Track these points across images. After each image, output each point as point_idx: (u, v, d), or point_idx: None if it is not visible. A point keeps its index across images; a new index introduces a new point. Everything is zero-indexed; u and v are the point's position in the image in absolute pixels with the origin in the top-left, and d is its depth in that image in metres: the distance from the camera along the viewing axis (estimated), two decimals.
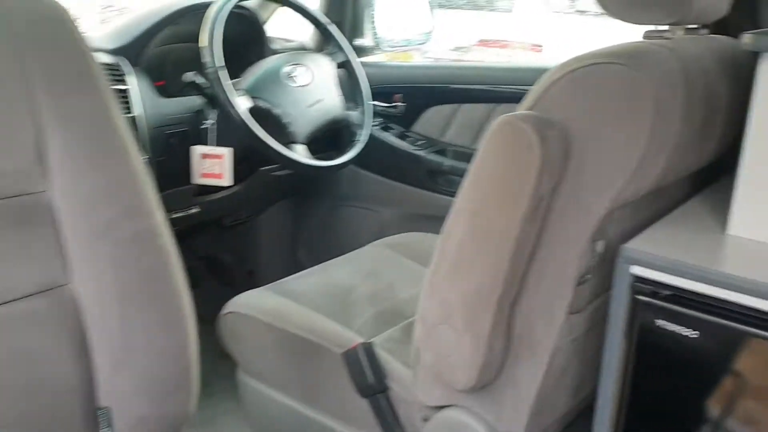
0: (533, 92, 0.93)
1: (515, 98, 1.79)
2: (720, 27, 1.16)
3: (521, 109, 0.94)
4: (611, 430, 0.98)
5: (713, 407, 0.87)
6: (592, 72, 0.88)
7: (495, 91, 1.87)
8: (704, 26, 1.11)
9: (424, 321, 1.04)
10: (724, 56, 1.06)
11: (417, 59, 2.88)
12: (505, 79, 1.88)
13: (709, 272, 0.85)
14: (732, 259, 0.90)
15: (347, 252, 1.67)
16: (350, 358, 1.20)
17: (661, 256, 0.88)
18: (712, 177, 1.21)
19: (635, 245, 0.91)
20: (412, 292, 1.46)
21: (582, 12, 5.05)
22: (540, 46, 4.41)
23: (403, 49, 2.18)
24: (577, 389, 1.12)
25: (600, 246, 0.96)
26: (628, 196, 0.91)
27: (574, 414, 1.19)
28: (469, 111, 1.92)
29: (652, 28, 1.04)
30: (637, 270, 0.90)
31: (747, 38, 0.88)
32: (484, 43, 4.64)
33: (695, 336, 0.86)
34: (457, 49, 4.75)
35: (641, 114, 0.86)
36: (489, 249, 0.92)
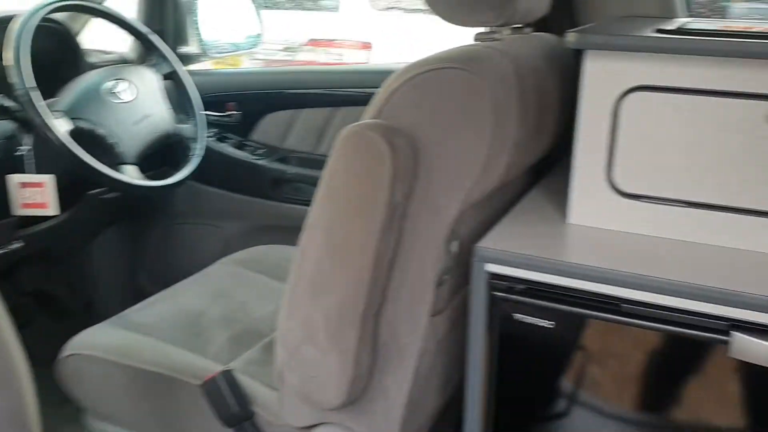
0: (376, 100, 0.92)
1: (355, 101, 1.82)
2: (542, 25, 1.21)
3: (365, 117, 0.92)
4: (481, 421, 1.00)
5: (571, 385, 0.91)
6: (432, 77, 0.88)
7: (333, 94, 1.85)
8: (528, 25, 1.15)
9: (285, 342, 1.00)
10: (550, 54, 1.11)
11: (246, 63, 2.80)
12: (342, 82, 1.87)
13: (556, 264, 0.88)
14: (575, 248, 0.94)
15: (192, 273, 1.59)
16: (210, 388, 1.14)
17: (512, 252, 0.91)
18: (545, 168, 1.27)
19: (488, 243, 0.93)
20: (267, 309, 1.42)
21: (405, 10, 5.18)
22: (369, 44, 4.47)
23: (232, 54, 2.11)
24: (444, 386, 1.13)
25: (454, 246, 0.97)
26: (476, 195, 0.93)
27: (443, 409, 1.20)
28: (309, 116, 1.89)
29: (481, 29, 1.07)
30: (492, 267, 0.92)
31: (571, 37, 0.93)
32: (314, 42, 4.62)
33: (551, 326, 0.89)
34: (286, 49, 4.70)
35: (482, 116, 0.87)
36: (348, 263, 0.90)
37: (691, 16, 1.33)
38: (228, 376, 1.14)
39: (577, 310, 0.88)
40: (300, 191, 1.86)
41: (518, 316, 0.91)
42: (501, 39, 1.03)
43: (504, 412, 0.98)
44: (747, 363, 0.80)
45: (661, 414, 0.88)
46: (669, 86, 0.90)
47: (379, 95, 0.92)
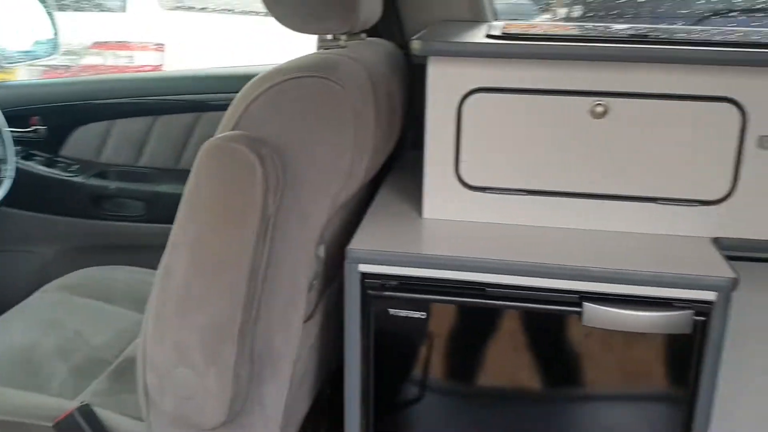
0: (233, 111, 0.91)
1: (174, 109, 1.75)
2: (372, 31, 1.26)
3: (221, 129, 0.91)
4: (361, 418, 1.03)
5: (447, 370, 0.98)
6: (293, 86, 0.89)
7: (150, 103, 1.77)
8: (362, 31, 1.20)
9: (155, 366, 0.96)
10: (388, 58, 1.17)
11: (22, 73, 2.57)
12: (158, 89, 1.80)
13: (424, 258, 0.94)
14: (437, 241, 1.01)
15: (10, 306, 1.45)
16: (66, 427, 1.05)
17: (383, 251, 0.95)
18: (384, 166, 1.33)
19: (357, 245, 0.96)
20: (107, 335, 1.34)
21: (189, 8, 5.02)
22: (162, 45, 4.28)
23: (26, 63, 1.93)
24: (313, 389, 1.15)
25: (321, 251, 0.99)
26: (341, 200, 0.96)
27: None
28: (125, 127, 1.79)
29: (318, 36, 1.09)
30: (365, 267, 0.95)
31: (416, 44, 0.99)
32: (100, 45, 4.32)
33: (423, 316, 0.95)
34: (67, 53, 4.36)
35: (345, 123, 0.90)
36: (222, 280, 0.88)
37: (496, 19, 1.46)
38: (85, 411, 1.07)
39: (446, 298, 0.94)
40: (124, 207, 1.77)
41: (393, 311, 0.95)
42: (345, 46, 1.06)
43: (383, 406, 1.02)
44: (598, 329, 0.91)
45: (531, 386, 0.97)
46: (504, 87, 0.99)
47: (235, 106, 0.91)
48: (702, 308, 0.89)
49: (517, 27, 1.18)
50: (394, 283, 0.95)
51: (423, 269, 0.94)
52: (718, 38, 1.04)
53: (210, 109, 1.73)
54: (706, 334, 0.90)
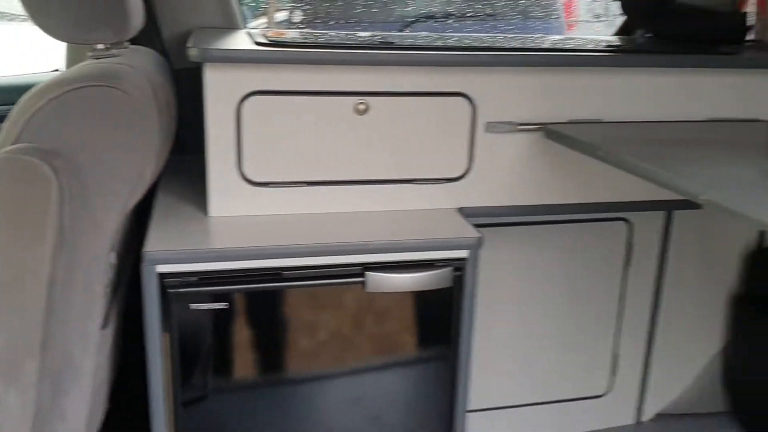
0: (12, 124, 0.89)
1: None
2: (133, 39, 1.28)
3: (2, 144, 0.89)
4: (168, 417, 1.07)
5: (252, 356, 1.06)
6: (78, 96, 0.89)
7: None
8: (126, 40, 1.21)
9: None
10: (157, 66, 1.20)
11: None
12: None
13: (221, 252, 1.02)
14: (229, 235, 1.08)
15: None
16: None
17: (179, 250, 1.00)
18: None
19: (152, 247, 1.00)
20: None
21: None
22: None
23: None
24: (108, 393, 1.15)
25: (113, 257, 1.01)
26: (130, 205, 0.99)
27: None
28: None
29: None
30: (162, 268, 0.99)
31: (193, 51, 1.05)
32: None
33: (226, 307, 1.02)
34: None
35: (132, 130, 0.93)
36: (20, 297, 0.86)
37: (245, 25, 1.55)
38: None
39: (245, 286, 1.02)
40: None
41: (194, 305, 1.01)
42: (118, 55, 1.08)
43: (189, 401, 1.07)
44: (380, 293, 1.06)
45: (330, 359, 1.09)
46: (278, 90, 1.09)
47: (14, 118, 0.89)
48: (458, 264, 1.09)
49: (276, 34, 1.28)
50: (194, 279, 1.00)
51: (221, 262, 1.01)
52: (450, 43, 1.25)
53: None
54: (462, 285, 1.10)
